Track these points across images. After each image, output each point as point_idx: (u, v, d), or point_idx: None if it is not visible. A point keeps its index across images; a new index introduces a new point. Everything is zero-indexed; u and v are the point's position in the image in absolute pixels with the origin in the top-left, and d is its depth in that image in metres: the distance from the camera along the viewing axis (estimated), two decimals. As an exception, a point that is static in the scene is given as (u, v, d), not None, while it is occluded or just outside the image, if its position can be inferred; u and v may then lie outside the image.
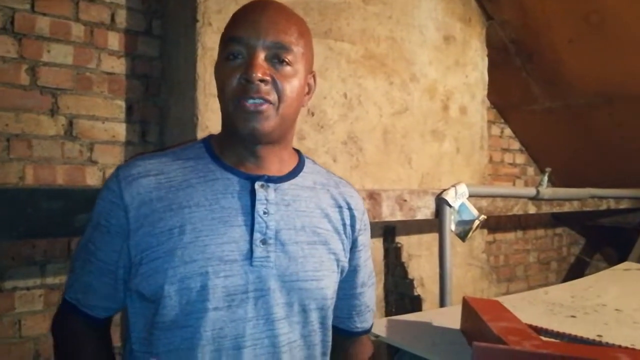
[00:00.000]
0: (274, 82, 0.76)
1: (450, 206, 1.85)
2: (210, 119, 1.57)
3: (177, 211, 0.76)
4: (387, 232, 2.13)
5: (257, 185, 0.79)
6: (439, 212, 1.87)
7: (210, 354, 0.74)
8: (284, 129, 0.80)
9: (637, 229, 2.65)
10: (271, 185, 0.81)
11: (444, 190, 1.88)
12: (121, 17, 1.70)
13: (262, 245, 0.77)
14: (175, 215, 0.76)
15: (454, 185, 1.89)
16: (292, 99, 0.78)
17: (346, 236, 0.89)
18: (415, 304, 2.13)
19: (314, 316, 0.83)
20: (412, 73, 2.17)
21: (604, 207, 2.68)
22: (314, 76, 0.87)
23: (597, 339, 1.14)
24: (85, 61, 1.63)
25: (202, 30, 1.58)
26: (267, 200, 0.79)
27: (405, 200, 1.81)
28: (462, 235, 1.91)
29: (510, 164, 3.21)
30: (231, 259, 0.75)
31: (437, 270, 1.87)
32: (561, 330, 1.16)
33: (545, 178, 2.22)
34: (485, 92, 2.52)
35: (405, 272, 2.15)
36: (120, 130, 1.70)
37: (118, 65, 1.69)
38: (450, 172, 2.32)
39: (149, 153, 0.86)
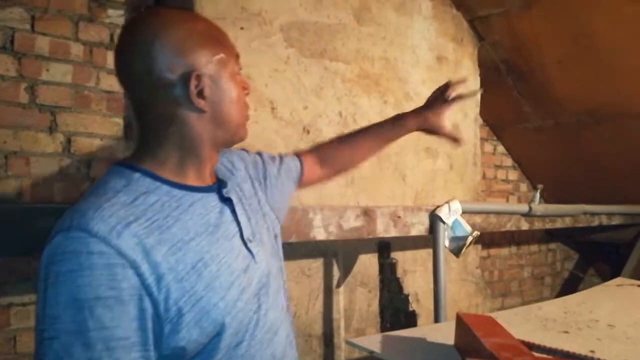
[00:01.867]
0: None
1: (444, 223, 1.87)
2: (207, 137, 1.60)
3: (186, 249, 0.72)
4: (382, 247, 2.15)
5: (225, 191, 0.83)
6: (432, 229, 1.89)
7: (264, 351, 0.80)
8: None
9: (630, 244, 2.68)
10: (229, 187, 0.85)
11: (438, 206, 1.91)
12: (120, 37, 1.72)
13: (251, 243, 0.83)
14: (188, 252, 0.71)
15: (447, 202, 1.91)
16: None
17: (261, 187, 0.98)
18: (411, 319, 2.14)
19: (284, 277, 0.94)
20: (405, 92, 2.21)
21: (596, 223, 2.71)
22: None
23: (590, 354, 1.15)
24: (84, 80, 1.66)
25: (199, 50, 1.61)
26: (239, 200, 0.86)
27: (400, 217, 1.83)
28: (456, 252, 1.92)
29: (504, 180, 3.24)
30: (246, 266, 0.80)
31: (432, 285, 1.89)
32: (554, 346, 1.18)
33: (538, 195, 2.25)
34: (478, 110, 2.57)
35: (400, 288, 2.16)
36: (118, 147, 1.71)
37: (116, 84, 1.71)
38: (444, 189, 2.35)
39: (97, 202, 0.69)
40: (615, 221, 2.80)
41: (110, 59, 1.71)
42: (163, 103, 0.76)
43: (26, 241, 1.18)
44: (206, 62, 0.77)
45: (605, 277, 3.33)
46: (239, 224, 0.82)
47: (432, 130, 1.23)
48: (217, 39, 0.80)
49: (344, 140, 1.22)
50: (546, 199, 3.08)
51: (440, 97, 1.22)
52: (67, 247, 0.65)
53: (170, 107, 0.76)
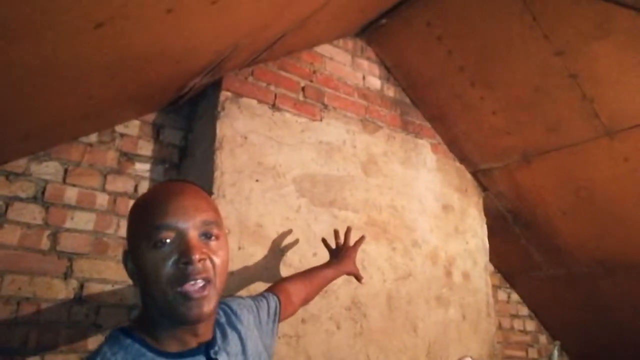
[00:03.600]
0: (210, 258, 0.80)
1: (458, 380, 1.77)
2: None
3: None
4: (394, 406, 2.00)
5: (213, 352, 0.85)
6: (447, 386, 1.78)
7: None
8: (219, 300, 0.84)
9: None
10: (217, 348, 0.86)
11: (451, 362, 1.82)
12: (144, 187, 1.84)
13: None
14: None
15: (460, 359, 1.83)
16: (225, 270, 0.84)
17: (261, 326, 1.06)
18: None
19: None
20: (413, 239, 2.26)
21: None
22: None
23: None
24: (104, 227, 1.74)
25: (216, 202, 1.71)
26: (233, 355, 0.89)
27: (411, 373, 1.74)
28: (474, 413, 1.79)
29: (521, 330, 3.10)
30: None
31: None
32: None
33: (555, 352, 2.15)
34: (487, 258, 2.57)
35: None
36: (127, 294, 1.73)
37: (134, 231, 1.79)
38: (458, 340, 2.26)
39: None
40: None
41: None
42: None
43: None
44: (130, 237, 0.84)
45: None
46: None
47: (350, 271, 1.65)
48: (157, 212, 0.80)
49: (304, 278, 1.41)
50: (569, 351, 2.91)
51: (342, 245, 1.70)
52: None
53: None
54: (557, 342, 2.18)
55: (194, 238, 0.79)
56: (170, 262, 0.77)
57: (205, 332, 0.86)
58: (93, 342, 1.62)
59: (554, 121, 2.16)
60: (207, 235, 0.81)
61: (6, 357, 1.45)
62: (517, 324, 3.09)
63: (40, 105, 1.28)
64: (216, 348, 0.85)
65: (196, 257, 0.77)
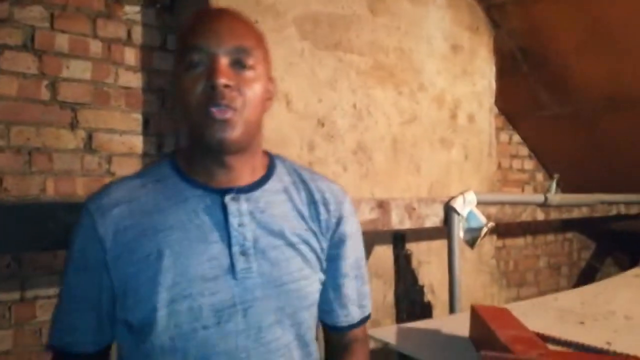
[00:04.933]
0: (238, 88, 0.76)
1: (458, 214, 1.87)
2: (223, 132, 1.61)
3: (152, 237, 0.76)
4: (397, 239, 2.16)
5: (228, 198, 0.79)
6: (447, 220, 1.90)
7: None
8: (250, 135, 0.79)
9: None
10: (242, 195, 0.80)
11: (452, 198, 1.91)
12: (137, 33, 1.75)
13: (242, 257, 0.77)
14: (150, 241, 0.75)
15: (462, 193, 1.91)
16: (256, 104, 0.78)
17: (322, 231, 0.88)
18: (426, 310, 2.15)
19: (307, 314, 0.84)
20: (420, 83, 2.21)
21: (613, 212, 2.68)
22: (273, 82, 0.86)
23: (606, 347, 1.15)
24: (103, 76, 1.69)
25: (215, 46, 1.63)
26: (239, 211, 0.79)
27: (414, 209, 1.84)
28: (471, 243, 1.93)
29: (519, 170, 3.22)
30: (213, 276, 0.75)
31: (447, 276, 1.90)
32: (569, 338, 1.18)
33: (554, 184, 2.24)
34: (493, 100, 2.55)
35: (415, 279, 2.18)
36: (137, 142, 1.75)
37: (134, 80, 1.75)
38: (459, 180, 2.35)
39: (118, 180, 0.84)
40: (634, 210, 2.77)
41: (128, 55, 1.73)
42: None
43: (50, 236, 1.21)
44: (174, 61, 0.81)
45: (623, 267, 3.29)
46: (229, 232, 0.78)
47: None
48: (191, 32, 0.78)
49: None
50: (563, 188, 3.05)
51: None
52: (80, 215, 0.80)
53: None
54: (557, 175, 2.26)
55: (223, 64, 0.75)
56: (200, 85, 0.75)
57: (241, 175, 0.82)
58: (109, 189, 1.68)
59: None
60: (240, 64, 0.76)
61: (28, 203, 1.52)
62: (516, 164, 3.20)
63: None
64: (232, 195, 0.79)
65: (221, 81, 0.73)
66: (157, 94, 1.80)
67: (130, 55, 1.74)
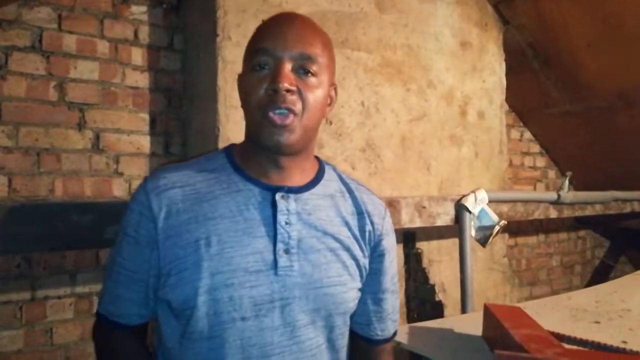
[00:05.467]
0: (300, 92, 0.78)
1: (470, 212, 1.85)
2: (231, 130, 1.61)
3: (202, 223, 0.78)
4: (407, 238, 2.14)
5: (278, 196, 0.81)
6: (458, 218, 1.87)
7: None
8: (306, 139, 0.82)
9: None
10: (292, 195, 0.82)
11: (464, 196, 1.88)
12: (144, 33, 1.75)
13: (285, 255, 0.79)
14: (200, 227, 0.78)
15: (473, 191, 1.89)
16: (316, 110, 0.80)
17: (365, 242, 0.89)
18: (437, 310, 2.13)
19: (340, 320, 0.85)
20: (429, 80, 2.19)
21: (627, 209, 2.64)
22: (335, 88, 0.89)
23: (622, 345, 1.12)
24: (110, 76, 1.69)
25: (222, 44, 1.62)
26: (288, 210, 0.81)
27: (425, 207, 1.82)
28: (483, 241, 1.90)
29: (531, 167, 3.18)
30: (256, 270, 0.77)
31: (458, 275, 1.87)
32: (585, 337, 1.16)
33: (567, 182, 2.20)
34: (504, 97, 2.52)
35: (426, 278, 2.15)
36: (144, 142, 1.74)
37: (142, 80, 1.75)
38: (470, 177, 2.32)
39: (174, 164, 0.88)
40: (648, 208, 2.72)
41: (135, 55, 1.73)
42: None
43: (59, 236, 1.22)
44: (243, 58, 0.84)
45: (638, 265, 3.25)
46: (275, 229, 0.80)
47: None
48: (260, 35, 0.82)
49: None
50: (575, 185, 3.01)
51: None
52: (135, 191, 0.85)
53: None
54: (569, 173, 2.22)
55: (287, 68, 0.77)
56: (262, 87, 0.77)
57: (292, 176, 0.84)
58: (118, 189, 1.69)
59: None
60: (304, 70, 0.79)
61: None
62: (528, 161, 3.16)
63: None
64: (284, 194, 0.81)
65: (283, 85, 0.76)
66: (164, 93, 1.79)
67: (137, 55, 1.74)
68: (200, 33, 1.73)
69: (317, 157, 0.93)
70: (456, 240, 1.92)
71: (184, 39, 1.83)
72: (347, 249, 0.85)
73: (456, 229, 1.91)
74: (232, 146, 0.90)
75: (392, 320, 0.97)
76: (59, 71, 1.60)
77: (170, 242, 0.78)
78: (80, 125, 1.63)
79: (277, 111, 0.76)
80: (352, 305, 0.87)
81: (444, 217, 1.87)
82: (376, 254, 0.91)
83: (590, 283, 3.36)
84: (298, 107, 0.77)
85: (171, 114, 1.81)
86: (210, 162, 0.86)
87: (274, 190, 0.82)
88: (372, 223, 0.90)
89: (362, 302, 0.91)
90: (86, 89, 1.64)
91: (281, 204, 0.81)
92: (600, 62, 2.39)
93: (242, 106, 0.83)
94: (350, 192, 0.91)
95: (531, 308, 1.28)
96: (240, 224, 0.79)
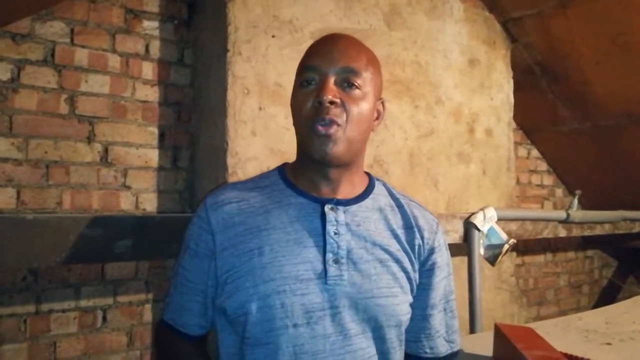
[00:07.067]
0: (343, 105, 0.81)
1: (479, 230, 1.83)
2: (240, 145, 1.60)
3: (256, 234, 0.83)
4: (414, 255, 2.12)
5: (327, 207, 0.84)
6: (467, 236, 1.86)
7: None
8: (352, 151, 0.84)
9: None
10: (341, 207, 0.85)
11: (473, 214, 1.87)
12: (155, 47, 1.76)
13: (334, 265, 0.81)
14: (254, 238, 0.82)
15: (482, 209, 1.87)
16: (360, 121, 0.83)
17: (415, 256, 0.90)
18: (444, 329, 2.10)
19: (392, 333, 0.85)
20: (437, 96, 2.19)
21: (636, 229, 2.62)
22: (382, 103, 0.91)
23: (636, 368, 1.10)
24: (120, 90, 1.70)
25: (232, 60, 1.63)
26: (337, 221, 0.84)
27: (433, 224, 1.80)
28: (492, 260, 1.88)
29: (538, 185, 3.16)
30: (306, 278, 0.80)
31: (466, 294, 1.85)
32: (596, 358, 1.13)
33: (575, 201, 2.19)
34: (512, 114, 2.51)
35: (432, 296, 2.12)
36: (153, 156, 1.75)
37: (151, 94, 1.76)
38: (478, 195, 2.31)
39: (232, 182, 0.96)
40: (658, 227, 2.69)
41: (145, 69, 1.75)
42: None
43: (65, 249, 1.21)
44: (295, 78, 0.88)
45: (647, 285, 3.21)
46: (325, 240, 0.82)
47: None
48: (308, 54, 0.87)
49: None
50: (583, 204, 2.99)
51: None
52: (198, 208, 0.90)
53: None
54: (579, 192, 2.21)
55: (331, 82, 0.81)
56: (309, 102, 0.81)
57: (342, 188, 0.87)
58: (125, 203, 1.68)
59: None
60: (348, 82, 0.82)
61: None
62: (535, 179, 3.14)
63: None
64: (332, 205, 0.84)
65: (327, 97, 0.79)
66: (173, 107, 1.80)
67: (148, 70, 1.75)
68: (211, 48, 1.74)
69: (367, 173, 0.95)
70: (463, 259, 1.90)
71: (195, 53, 1.84)
72: (397, 261, 0.87)
73: (463, 246, 1.90)
74: (285, 164, 0.95)
75: (446, 340, 0.95)
76: (70, 85, 1.61)
77: (227, 253, 0.83)
78: (90, 139, 1.64)
79: (322, 123, 0.79)
80: (403, 318, 0.87)
81: (453, 234, 1.85)
82: (425, 269, 0.92)
83: (598, 303, 3.31)
84: (342, 118, 0.80)
85: (180, 128, 1.81)
86: (264, 179, 0.92)
87: (323, 202, 0.85)
88: (422, 237, 0.91)
89: (411, 317, 0.90)
90: (96, 103, 1.65)
91: (330, 215, 0.84)
92: (609, 81, 2.39)
93: (294, 123, 0.86)
94: (400, 206, 0.93)
95: (541, 329, 1.26)
96: (291, 235, 0.82)
